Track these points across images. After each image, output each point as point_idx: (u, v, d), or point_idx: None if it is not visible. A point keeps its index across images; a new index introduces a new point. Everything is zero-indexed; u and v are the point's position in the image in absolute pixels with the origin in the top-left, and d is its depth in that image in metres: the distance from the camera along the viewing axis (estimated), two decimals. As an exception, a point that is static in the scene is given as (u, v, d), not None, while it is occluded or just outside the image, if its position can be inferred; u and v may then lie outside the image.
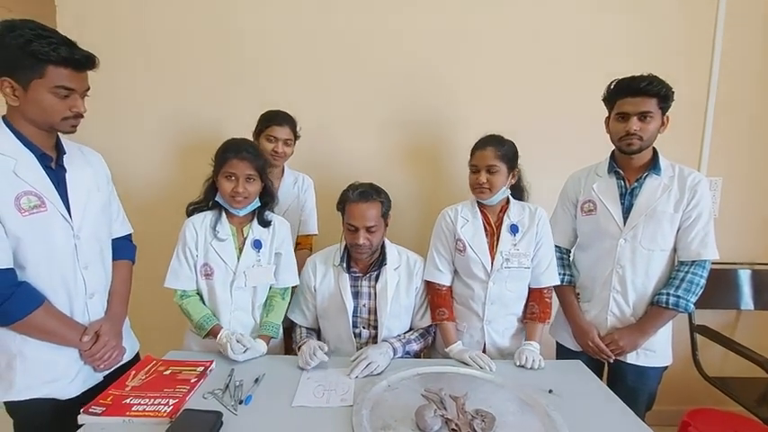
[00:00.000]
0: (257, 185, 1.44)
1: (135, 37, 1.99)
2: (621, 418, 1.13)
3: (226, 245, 1.45)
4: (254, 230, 1.48)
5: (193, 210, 1.49)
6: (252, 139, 1.72)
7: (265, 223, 1.50)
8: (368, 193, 1.45)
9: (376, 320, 1.51)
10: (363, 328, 1.53)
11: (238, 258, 1.45)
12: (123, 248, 1.39)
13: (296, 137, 1.78)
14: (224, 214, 1.47)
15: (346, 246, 1.53)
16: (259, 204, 1.48)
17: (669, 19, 2.04)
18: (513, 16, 2.03)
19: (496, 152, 1.46)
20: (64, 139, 1.22)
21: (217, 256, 1.43)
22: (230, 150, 1.40)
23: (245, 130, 1.71)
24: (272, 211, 1.55)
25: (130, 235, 1.46)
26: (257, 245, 1.47)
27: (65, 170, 1.19)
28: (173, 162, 2.08)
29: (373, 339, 1.52)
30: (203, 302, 1.47)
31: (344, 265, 1.51)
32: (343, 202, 1.47)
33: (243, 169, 1.39)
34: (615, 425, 1.10)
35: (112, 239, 1.35)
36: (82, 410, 1.06)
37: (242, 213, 1.45)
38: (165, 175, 2.08)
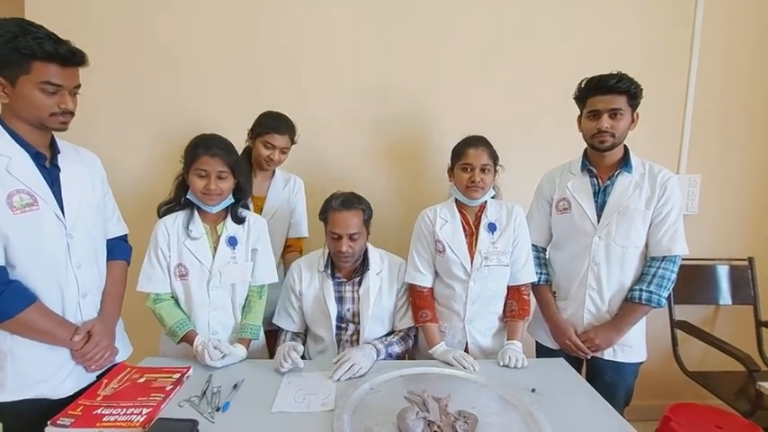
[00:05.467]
0: (230, 182, 1.40)
1: (108, 35, 1.94)
2: (604, 416, 1.13)
3: (200, 243, 1.41)
4: (229, 227, 1.45)
5: (166, 210, 1.45)
6: (246, 138, 1.72)
7: (239, 220, 1.47)
8: (350, 201, 1.47)
9: (359, 323, 1.52)
10: (350, 323, 1.54)
11: (213, 257, 1.42)
12: (118, 249, 1.38)
13: (293, 143, 1.75)
14: (196, 212, 1.43)
15: (330, 252, 1.53)
16: (232, 201, 1.45)
17: (648, 20, 2.07)
18: (491, 17, 2.04)
19: (489, 152, 1.47)
20: (60, 139, 1.22)
21: (191, 256, 1.40)
22: (201, 147, 1.36)
23: (230, 130, 1.64)
24: (246, 207, 1.52)
25: (126, 235, 1.45)
26: (232, 242, 1.44)
27: (59, 169, 1.18)
28: (155, 162, 2.03)
29: (356, 334, 1.53)
30: (179, 305, 1.43)
31: (329, 271, 1.52)
32: (326, 212, 1.48)
33: (214, 166, 1.35)
34: (598, 423, 1.10)
35: (108, 240, 1.34)
36: (49, 423, 1.01)
37: (214, 210, 1.41)
38: (146, 176, 2.03)
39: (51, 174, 1.16)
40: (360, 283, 1.53)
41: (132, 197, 1.99)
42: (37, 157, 1.13)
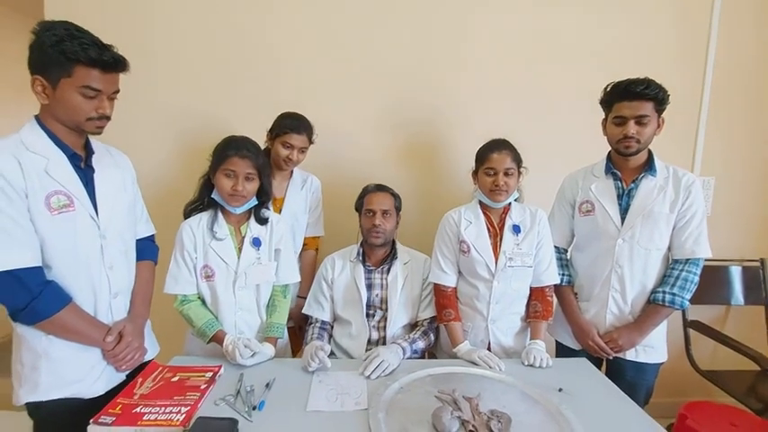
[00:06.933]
0: (256, 184, 1.42)
1: (124, 34, 1.88)
2: (632, 416, 1.15)
3: (225, 245, 1.43)
4: (252, 228, 1.47)
5: (191, 210, 1.47)
6: (265, 138, 1.73)
7: (262, 221, 1.49)
8: (383, 186, 1.67)
9: (386, 309, 1.60)
10: (377, 309, 1.61)
11: (238, 258, 1.43)
12: (146, 249, 1.40)
13: (311, 143, 1.77)
14: (220, 213, 1.45)
15: (362, 243, 1.66)
16: (256, 203, 1.46)
17: (664, 20, 2.08)
18: (512, 18, 2.04)
19: (512, 155, 1.49)
20: (93, 139, 1.23)
21: (217, 257, 1.42)
22: (231, 147, 1.38)
23: (246, 130, 1.67)
24: (268, 209, 1.54)
25: (153, 236, 1.46)
26: (256, 242, 1.46)
27: (93, 170, 1.20)
28: (178, 162, 2.04)
29: (383, 321, 1.60)
30: (205, 306, 1.45)
31: (360, 258, 1.63)
32: (362, 196, 1.66)
33: (243, 167, 1.37)
34: (627, 423, 1.12)
35: (136, 240, 1.35)
36: (91, 421, 1.02)
37: (239, 211, 1.43)
38: (165, 178, 2.04)
39: (86, 175, 1.18)
40: (388, 271, 1.63)
41: (148, 198, 1.99)
42: (73, 159, 1.14)
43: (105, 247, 1.18)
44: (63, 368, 1.14)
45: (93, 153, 1.21)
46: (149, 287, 1.38)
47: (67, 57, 1.02)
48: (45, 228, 1.07)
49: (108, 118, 1.14)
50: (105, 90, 1.10)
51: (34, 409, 1.16)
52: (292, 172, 1.84)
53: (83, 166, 1.18)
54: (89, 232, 1.15)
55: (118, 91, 1.15)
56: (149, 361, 1.34)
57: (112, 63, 1.08)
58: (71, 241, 1.12)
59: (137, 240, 1.36)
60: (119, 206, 1.24)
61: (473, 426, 1.05)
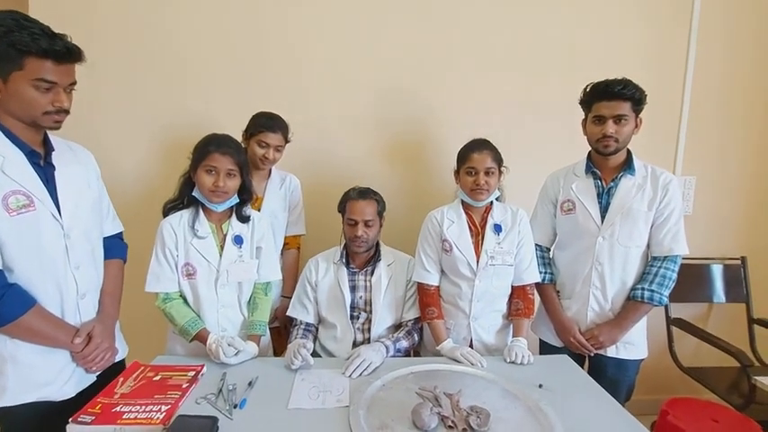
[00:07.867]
0: (237, 181, 1.41)
1: (110, 32, 1.93)
2: (611, 412, 1.17)
3: (206, 242, 1.42)
4: (234, 226, 1.47)
5: (170, 209, 1.45)
6: (241, 139, 1.72)
7: (244, 219, 1.48)
8: (365, 192, 1.62)
9: (371, 311, 1.60)
10: (362, 312, 1.61)
11: (220, 255, 1.43)
12: (114, 247, 1.36)
13: (286, 141, 1.77)
14: (201, 211, 1.44)
15: (346, 245, 1.64)
16: (237, 201, 1.46)
17: (646, 23, 2.11)
18: (495, 18, 2.06)
19: (492, 155, 1.50)
20: (52, 135, 1.18)
21: (198, 255, 1.41)
22: (212, 144, 1.38)
23: (231, 128, 1.68)
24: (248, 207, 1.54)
25: (121, 233, 1.43)
26: (238, 240, 1.46)
27: (53, 167, 1.15)
28: (156, 161, 2.03)
29: (368, 323, 1.60)
30: (188, 304, 1.44)
31: (344, 260, 1.62)
32: (344, 202, 1.62)
33: (224, 164, 1.37)
34: (605, 419, 1.14)
35: (103, 238, 1.32)
36: (71, 420, 1.02)
37: (220, 209, 1.42)
38: (148, 175, 2.03)
39: (46, 172, 1.13)
40: (372, 273, 1.62)
41: (131, 195, 1.99)
42: (31, 156, 1.09)
43: (70, 247, 1.14)
44: (30, 371, 1.11)
45: (53, 150, 1.16)
46: (119, 286, 1.34)
47: (17, 48, 0.97)
48: (3, 229, 1.02)
49: (66, 111, 1.09)
50: (60, 82, 1.05)
51: (2, 414, 1.11)
52: (271, 171, 1.84)
53: (42, 163, 1.13)
54: (52, 232, 1.11)
55: (75, 83, 1.10)
56: (120, 361, 1.32)
57: (65, 53, 1.03)
58: (33, 242, 1.07)
59: (104, 238, 1.32)
60: (82, 204, 1.20)
61: (452, 421, 1.06)
